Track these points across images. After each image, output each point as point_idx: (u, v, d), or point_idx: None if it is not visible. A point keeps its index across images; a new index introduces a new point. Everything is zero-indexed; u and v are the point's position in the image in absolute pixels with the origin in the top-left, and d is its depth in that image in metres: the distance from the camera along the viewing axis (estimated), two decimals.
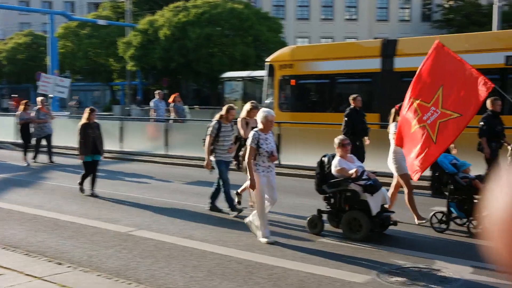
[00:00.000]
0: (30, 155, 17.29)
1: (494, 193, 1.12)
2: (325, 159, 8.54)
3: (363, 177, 8.15)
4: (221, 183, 9.85)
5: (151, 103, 21.26)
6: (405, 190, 9.14)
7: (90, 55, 52.19)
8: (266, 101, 19.35)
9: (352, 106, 12.88)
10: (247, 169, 8.01)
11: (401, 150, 8.65)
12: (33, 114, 17.46)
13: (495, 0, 23.98)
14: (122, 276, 6.33)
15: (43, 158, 17.46)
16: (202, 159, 16.43)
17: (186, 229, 8.74)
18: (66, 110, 35.17)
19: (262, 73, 22.17)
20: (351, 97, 12.99)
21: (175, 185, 13.44)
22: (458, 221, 8.65)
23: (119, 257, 7.17)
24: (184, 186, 13.37)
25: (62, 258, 7.07)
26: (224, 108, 10.04)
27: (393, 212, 8.40)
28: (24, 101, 18.09)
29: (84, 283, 6.05)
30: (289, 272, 6.54)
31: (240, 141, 10.03)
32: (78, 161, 12.24)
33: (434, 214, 8.66)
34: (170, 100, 20.08)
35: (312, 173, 14.22)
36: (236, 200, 10.12)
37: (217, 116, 10.04)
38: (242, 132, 10.08)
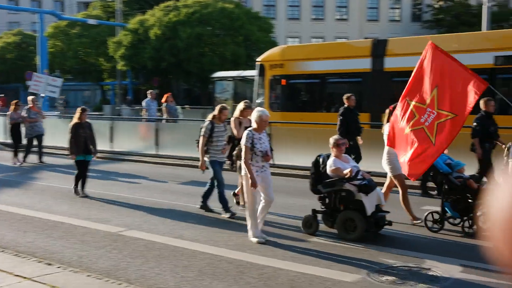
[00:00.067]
0: (21, 155, 17.18)
1: (495, 194, 1.13)
2: (320, 159, 8.53)
3: (358, 177, 8.16)
4: (215, 183, 9.81)
5: (143, 103, 21.20)
6: (400, 190, 9.15)
7: (80, 55, 51.97)
8: (257, 101, 19.35)
9: (346, 105, 12.91)
10: (241, 169, 8.00)
11: (395, 151, 8.67)
12: (23, 113, 17.38)
13: (484, 1, 24.12)
14: (112, 276, 6.31)
15: (32, 158, 17.36)
16: (193, 159, 16.48)
17: (176, 229, 8.73)
18: (56, 110, 34.99)
19: (252, 73, 22.15)
20: (345, 96, 13.02)
21: (166, 185, 13.42)
22: (452, 220, 8.65)
23: (109, 257, 7.15)
24: (174, 186, 13.35)
25: (52, 258, 7.04)
26: (217, 108, 9.99)
27: (388, 212, 8.40)
28: (14, 101, 17.99)
29: (74, 283, 6.02)
30: (280, 271, 6.55)
31: (233, 141, 10.01)
32: (68, 161, 12.21)
33: (428, 214, 8.65)
34: (163, 100, 20.03)
35: (303, 172, 14.28)
36: (234, 200, 10.12)
37: (210, 117, 9.98)
38: (235, 131, 10.05)
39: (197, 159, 16.00)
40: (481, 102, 10.27)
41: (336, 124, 13.99)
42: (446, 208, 8.47)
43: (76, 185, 11.71)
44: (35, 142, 17.45)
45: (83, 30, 50.12)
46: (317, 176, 8.45)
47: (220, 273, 6.48)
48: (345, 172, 8.15)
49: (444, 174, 8.49)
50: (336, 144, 8.38)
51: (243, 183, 8.17)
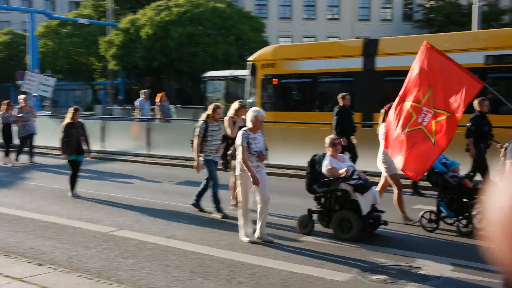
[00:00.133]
0: (13, 155, 17.08)
1: (494, 195, 1.13)
2: (316, 159, 8.53)
3: (354, 177, 8.16)
4: (210, 183, 9.78)
5: (136, 103, 21.15)
6: (395, 190, 9.15)
7: (71, 54, 51.69)
8: (248, 101, 19.34)
9: (341, 104, 12.93)
10: (235, 169, 7.97)
11: None
12: (15, 113, 17.29)
13: (474, 0, 24.22)
14: (103, 276, 6.29)
15: (23, 158, 17.28)
16: (185, 159, 16.47)
17: (168, 229, 8.71)
18: (44, 109, 34.82)
19: (244, 73, 22.15)
20: (340, 96, 13.03)
21: (158, 185, 13.39)
22: (447, 220, 8.64)
23: (100, 257, 7.12)
24: (166, 186, 13.33)
25: (42, 259, 7.01)
26: (210, 107, 9.92)
27: (383, 211, 8.40)
28: (6, 101, 17.89)
29: (64, 284, 6.00)
30: (271, 271, 6.55)
31: (227, 141, 9.97)
32: (59, 161, 12.15)
33: (423, 214, 8.67)
34: (157, 99, 19.98)
35: (295, 172, 14.30)
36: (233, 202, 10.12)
37: (203, 116, 9.91)
38: (229, 131, 10.02)
39: (189, 159, 16.05)
40: (475, 102, 10.29)
41: (328, 124, 14.02)
42: (441, 208, 8.47)
43: (72, 187, 11.57)
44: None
45: (74, 30, 49.88)
46: (312, 175, 8.43)
47: (211, 272, 6.48)
48: (341, 171, 8.15)
49: (440, 174, 8.49)
50: (332, 144, 8.37)
51: (237, 182, 8.14)
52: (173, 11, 39.76)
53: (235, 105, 10.15)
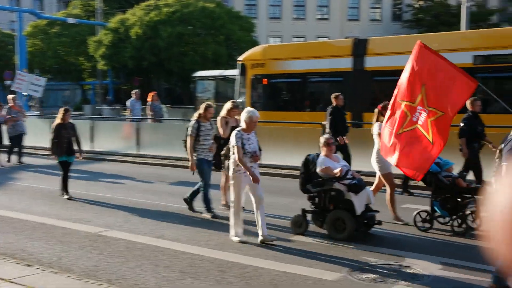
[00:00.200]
0: (2, 156, 16.97)
1: (493, 196, 1.13)
2: (310, 158, 8.52)
3: (348, 176, 8.16)
4: (201, 183, 9.72)
5: (128, 103, 21.07)
6: (388, 189, 9.17)
7: (60, 54, 51.41)
8: (238, 100, 19.32)
9: (334, 104, 12.95)
10: (229, 169, 7.95)
11: None
12: (4, 113, 17.16)
13: (463, 1, 24.36)
14: (92, 277, 6.26)
15: (12, 158, 17.17)
16: (175, 159, 16.44)
17: (157, 229, 8.69)
18: (32, 109, 34.58)
19: (234, 72, 22.15)
20: (333, 96, 13.05)
21: (147, 185, 13.35)
22: (441, 219, 8.65)
23: (90, 257, 7.09)
24: (156, 185, 13.29)
25: (31, 259, 6.96)
26: (202, 107, 9.86)
27: (377, 211, 8.40)
28: None
29: (53, 284, 5.96)
30: (261, 271, 6.55)
31: (219, 141, 9.93)
32: (48, 162, 12.06)
33: (418, 213, 8.65)
34: (148, 99, 19.91)
35: (285, 172, 14.31)
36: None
37: (195, 115, 9.86)
38: (221, 131, 9.98)
39: (178, 159, 16.04)
40: (468, 102, 10.33)
41: (318, 124, 14.06)
42: (435, 207, 8.49)
43: (63, 188, 11.43)
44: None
45: (62, 29, 49.59)
46: (306, 175, 8.43)
47: (201, 272, 6.47)
48: (335, 171, 8.15)
49: (433, 173, 8.49)
50: (327, 143, 8.38)
51: (230, 182, 8.10)
52: (163, 11, 39.67)
53: (228, 105, 10.13)
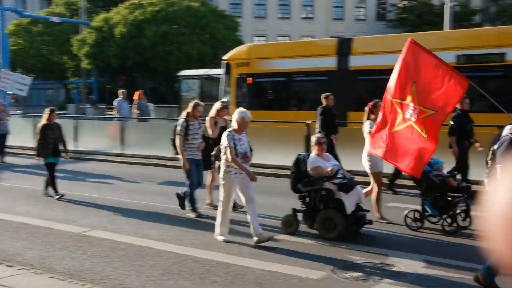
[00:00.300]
0: None
1: (492, 196, 1.14)
2: (301, 158, 8.52)
3: (338, 176, 8.16)
4: (186, 182, 9.66)
5: (115, 103, 20.93)
6: (375, 188, 9.17)
7: (43, 53, 51.03)
8: (223, 99, 19.31)
9: (324, 104, 12.98)
10: (219, 170, 7.93)
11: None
12: None
13: (446, 1, 24.54)
14: (76, 277, 6.22)
15: None
16: (159, 158, 16.38)
17: (142, 229, 8.66)
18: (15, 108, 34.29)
19: (219, 71, 22.11)
20: (323, 96, 13.08)
21: (132, 185, 13.29)
22: (432, 219, 8.67)
23: (73, 258, 7.05)
24: (141, 185, 13.23)
25: (13, 260, 6.90)
26: (190, 105, 9.77)
27: (368, 211, 8.40)
28: None
29: (36, 285, 5.92)
30: (246, 269, 6.56)
31: (207, 141, 9.86)
32: (32, 162, 11.95)
33: (408, 213, 8.67)
34: (135, 97, 19.79)
35: (269, 171, 14.31)
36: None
37: (183, 114, 9.75)
38: (210, 131, 9.92)
39: (164, 158, 15.99)
40: None
41: (303, 122, 14.09)
42: (425, 206, 8.50)
43: (47, 188, 11.38)
44: None
45: (46, 28, 49.24)
46: (297, 175, 8.43)
47: (185, 272, 6.46)
48: (326, 170, 8.16)
49: (424, 172, 8.51)
50: (318, 143, 8.38)
51: (221, 182, 8.04)
52: (147, 10, 39.54)
53: (217, 105, 10.08)
